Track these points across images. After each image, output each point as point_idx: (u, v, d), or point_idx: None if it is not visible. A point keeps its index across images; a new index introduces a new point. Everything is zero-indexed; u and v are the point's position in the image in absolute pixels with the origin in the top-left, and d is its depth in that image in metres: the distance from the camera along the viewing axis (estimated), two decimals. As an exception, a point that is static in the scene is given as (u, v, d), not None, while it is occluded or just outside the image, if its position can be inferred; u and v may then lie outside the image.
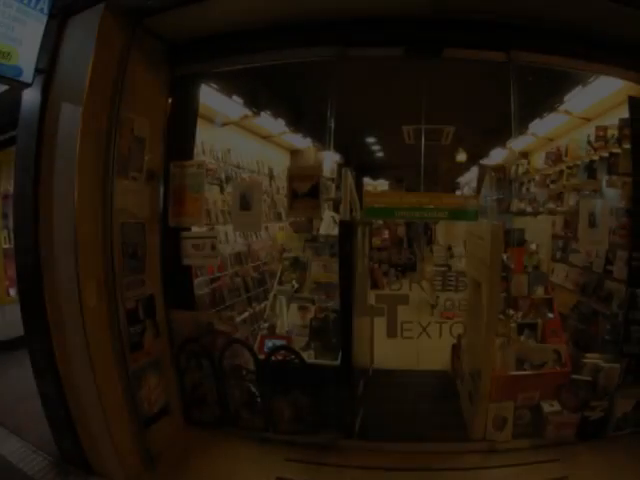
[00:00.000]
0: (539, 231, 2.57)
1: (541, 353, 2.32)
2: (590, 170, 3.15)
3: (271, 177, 4.25)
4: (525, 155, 5.01)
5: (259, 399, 2.30)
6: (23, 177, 2.01)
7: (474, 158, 5.15)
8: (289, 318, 2.46)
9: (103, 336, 2.03)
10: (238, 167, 3.55)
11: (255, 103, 2.92)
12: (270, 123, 3.93)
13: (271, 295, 2.58)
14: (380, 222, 4.96)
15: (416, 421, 2.40)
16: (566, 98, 3.14)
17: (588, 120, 3.59)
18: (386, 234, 4.94)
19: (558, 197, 3.98)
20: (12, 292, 3.79)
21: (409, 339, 2.26)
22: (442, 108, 2.67)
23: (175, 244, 2.33)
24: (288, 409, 2.28)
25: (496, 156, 5.38)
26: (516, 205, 4.46)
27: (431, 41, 2.25)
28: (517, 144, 4.55)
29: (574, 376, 2.31)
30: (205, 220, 2.42)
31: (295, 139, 4.68)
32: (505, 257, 2.39)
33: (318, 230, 2.77)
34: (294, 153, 4.67)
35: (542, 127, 4.17)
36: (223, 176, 3.12)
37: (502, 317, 2.33)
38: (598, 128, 3.05)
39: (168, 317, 2.32)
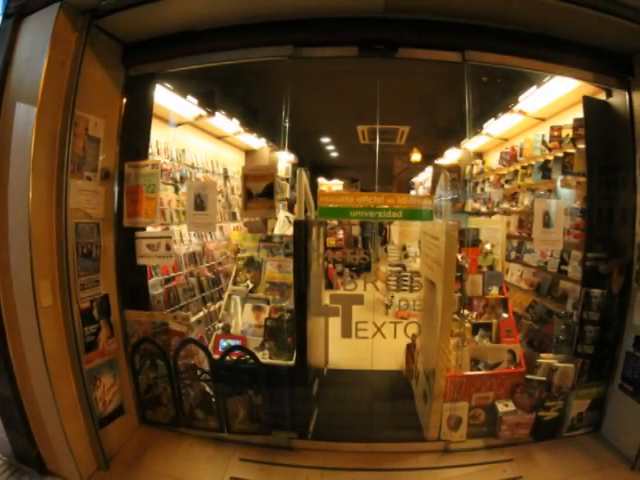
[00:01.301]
0: (494, 231, 2.82)
1: (496, 353, 2.57)
2: (545, 170, 3.41)
3: (226, 177, 4.52)
4: (480, 155, 5.32)
5: (214, 399, 2.55)
6: (-24, 178, 2.24)
7: (429, 158, 5.45)
8: (244, 318, 2.71)
9: (58, 336, 2.25)
10: (193, 167, 3.81)
11: (210, 103, 3.16)
12: (225, 123, 4.21)
13: (226, 295, 2.84)
14: (335, 222, 5.25)
15: (371, 421, 2.66)
16: (521, 98, 3.40)
17: (543, 120, 3.89)
18: (341, 234, 5.23)
19: (513, 197, 4.29)
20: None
21: (364, 339, 2.50)
22: (397, 108, 2.90)
23: (130, 244, 2.58)
24: (243, 409, 2.53)
25: (451, 156, 5.74)
26: (471, 205, 4.76)
27: (385, 41, 2.49)
28: (472, 144, 4.87)
29: (529, 376, 2.56)
30: (160, 220, 2.67)
31: (250, 139, 4.97)
32: (460, 257, 2.64)
33: (273, 230, 3.02)
34: (249, 153, 4.95)
35: (497, 127, 4.48)
36: (178, 176, 3.37)
37: (457, 317, 2.58)
38: (553, 128, 3.31)
39: (123, 317, 2.56)
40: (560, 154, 3.21)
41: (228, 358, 2.52)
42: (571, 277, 3.00)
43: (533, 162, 3.88)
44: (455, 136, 4.46)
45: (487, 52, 2.51)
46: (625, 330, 2.56)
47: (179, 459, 2.50)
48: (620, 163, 2.59)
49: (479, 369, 2.58)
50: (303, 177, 2.57)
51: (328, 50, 2.55)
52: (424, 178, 6.69)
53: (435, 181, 4.83)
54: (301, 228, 2.48)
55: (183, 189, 3.23)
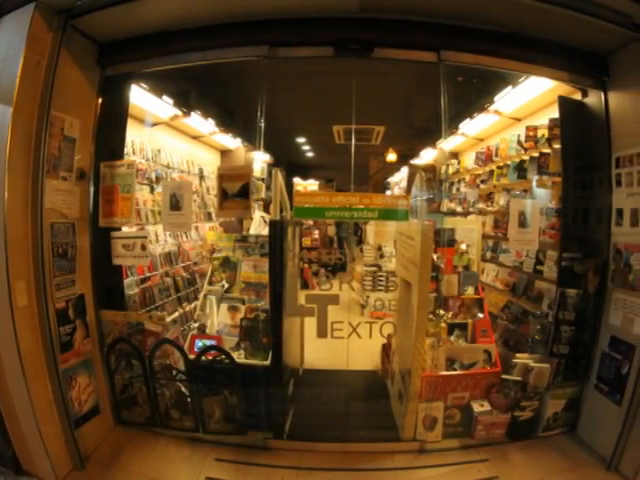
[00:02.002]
0: (469, 231, 2.95)
1: (471, 353, 2.70)
2: (520, 170, 3.55)
3: (201, 177, 4.67)
4: (455, 155, 5.49)
5: (189, 399, 2.68)
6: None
7: (404, 158, 5.61)
8: (219, 318, 2.84)
9: (33, 336, 2.37)
10: (168, 167, 3.95)
11: (185, 103, 3.29)
12: (200, 123, 4.36)
13: (201, 295, 2.97)
14: (310, 222, 5.40)
15: (346, 421, 2.79)
16: (496, 98, 3.55)
17: (518, 120, 4.05)
18: (316, 234, 5.38)
19: (488, 197, 4.45)
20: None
21: (339, 339, 2.63)
22: (373, 108, 3.02)
23: (105, 244, 2.72)
24: (218, 409, 2.66)
25: (426, 156, 5.92)
26: (446, 205, 4.91)
27: (361, 41, 2.63)
28: (447, 144, 5.02)
29: (504, 376, 2.69)
30: (135, 220, 2.80)
31: (225, 139, 5.13)
32: (435, 257, 2.77)
33: (248, 230, 3.16)
34: (224, 153, 5.09)
35: (472, 127, 4.64)
36: (153, 176, 3.50)
37: (432, 317, 2.71)
38: (528, 128, 3.44)
39: (98, 317, 2.70)
40: (536, 154, 3.35)
41: (204, 358, 2.64)
42: (547, 277, 3.14)
43: (509, 162, 4.04)
44: (431, 136, 4.62)
45: (463, 52, 2.65)
46: (601, 330, 2.69)
47: (155, 459, 2.63)
48: (596, 163, 2.72)
49: (455, 369, 2.71)
50: (279, 177, 2.71)
51: (304, 50, 2.68)
52: (400, 178, 6.93)
53: (411, 181, 5.03)
54: (276, 228, 2.61)
55: (159, 189, 3.36)
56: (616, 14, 2.49)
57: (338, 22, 2.61)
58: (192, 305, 3.48)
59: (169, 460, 2.63)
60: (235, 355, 2.67)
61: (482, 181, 4.66)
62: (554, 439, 2.77)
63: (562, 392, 2.72)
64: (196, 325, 2.85)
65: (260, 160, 4.62)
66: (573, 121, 2.76)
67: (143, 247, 2.66)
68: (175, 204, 2.62)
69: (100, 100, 2.71)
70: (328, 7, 2.57)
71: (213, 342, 2.74)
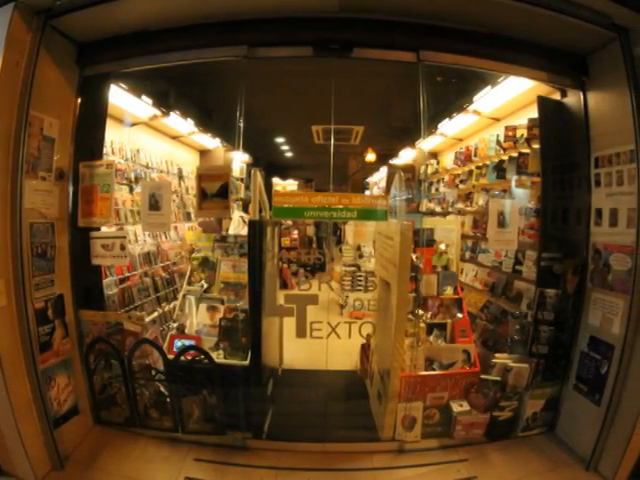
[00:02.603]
0: (448, 231, 3.05)
1: (450, 353, 2.80)
2: (499, 170, 3.66)
3: (180, 177, 4.79)
4: (434, 155, 5.62)
5: (168, 399, 2.78)
6: None
7: (384, 158, 5.73)
8: (198, 318, 2.94)
9: (12, 336, 2.46)
10: (147, 167, 4.05)
11: (164, 103, 3.38)
12: (179, 123, 4.47)
13: (180, 295, 3.07)
14: (289, 222, 5.51)
15: (326, 421, 2.89)
16: (475, 98, 3.65)
17: (497, 120, 4.16)
18: (295, 234, 5.49)
19: (467, 197, 4.57)
20: None
21: (318, 339, 2.73)
22: (352, 108, 3.12)
23: (85, 244, 2.81)
24: (197, 409, 2.76)
25: (405, 156, 6.06)
26: (425, 205, 5.02)
27: (340, 41, 2.72)
28: (426, 144, 5.13)
29: (483, 376, 2.80)
30: (114, 220, 2.90)
31: (204, 139, 5.25)
32: (414, 257, 2.87)
33: (227, 230, 3.25)
34: (203, 153, 5.21)
35: (451, 127, 4.76)
36: (132, 176, 3.60)
37: (411, 317, 2.81)
38: (507, 128, 3.55)
39: (77, 317, 2.79)
40: (515, 154, 3.46)
41: (183, 358, 2.74)
42: (526, 277, 3.24)
43: (488, 162, 4.16)
44: (410, 136, 4.73)
45: (442, 52, 2.75)
46: (580, 330, 2.79)
47: (134, 459, 2.73)
48: (575, 163, 2.82)
49: (434, 369, 2.81)
50: (258, 177, 2.80)
51: (283, 50, 2.78)
52: (379, 178, 7.11)
53: (390, 181, 5.13)
54: (255, 228, 2.71)
55: (138, 189, 3.46)
56: (595, 14, 2.59)
57: (317, 22, 2.71)
58: (171, 305, 3.58)
59: (148, 460, 2.72)
60: (214, 355, 2.77)
61: (461, 181, 4.79)
62: (533, 439, 2.87)
63: (541, 392, 2.82)
64: (175, 325, 2.95)
65: (239, 160, 4.74)
66: (552, 121, 2.86)
67: (122, 247, 2.75)
68: (154, 204, 2.71)
69: (79, 100, 2.81)
70: (307, 7, 2.67)
71: (192, 342, 2.84)
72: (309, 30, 2.73)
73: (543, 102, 2.88)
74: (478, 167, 4.41)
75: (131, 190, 3.48)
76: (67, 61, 2.77)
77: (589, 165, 2.76)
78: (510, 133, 3.48)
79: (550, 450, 2.81)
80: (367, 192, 7.28)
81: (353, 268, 4.39)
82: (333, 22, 2.71)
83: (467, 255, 4.20)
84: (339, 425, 2.89)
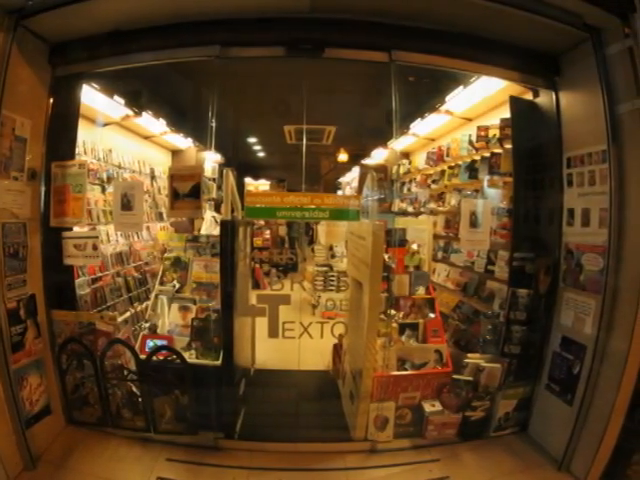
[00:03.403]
0: (420, 231, 3.16)
1: (422, 353, 2.91)
2: (471, 170, 3.78)
3: (152, 177, 4.91)
4: (407, 155, 5.75)
5: (141, 399, 2.89)
6: None
7: (356, 158, 5.86)
8: (170, 318, 3.05)
9: (-16, 336, 2.60)
10: (120, 167, 4.17)
11: (137, 103, 3.49)
12: (151, 123, 4.59)
13: (152, 295, 3.17)
14: (262, 222, 5.62)
15: (298, 421, 3.00)
16: (447, 98, 3.77)
17: (470, 120, 4.28)
18: (268, 234, 5.61)
19: (440, 197, 4.71)
20: None
21: (291, 339, 2.84)
22: (324, 108, 3.22)
23: (57, 244, 2.92)
24: (169, 409, 2.87)
25: (378, 156, 6.19)
26: (397, 205, 5.14)
27: (312, 41, 2.83)
28: (399, 144, 5.25)
29: (455, 376, 2.90)
30: (87, 220, 3.00)
31: (176, 139, 5.39)
32: (386, 257, 2.98)
33: (199, 230, 3.36)
34: (175, 153, 5.33)
35: (424, 127, 4.89)
36: (105, 176, 3.71)
37: (383, 317, 2.92)
38: (480, 128, 3.66)
39: (50, 317, 2.90)
40: (487, 154, 3.57)
41: (155, 358, 2.85)
42: (498, 277, 3.36)
43: (460, 162, 4.29)
44: (382, 136, 4.84)
45: (414, 52, 2.85)
46: (552, 330, 2.91)
47: (106, 459, 2.83)
48: (547, 163, 2.94)
49: (406, 369, 2.92)
50: (230, 177, 2.91)
51: (255, 50, 2.89)
52: (351, 178, 7.25)
53: (362, 181, 5.25)
54: (228, 228, 2.81)
55: (110, 189, 3.58)
56: (567, 14, 2.70)
57: (289, 22, 2.82)
58: (143, 305, 3.69)
59: (120, 460, 2.83)
60: (186, 355, 2.88)
61: (433, 181, 4.94)
62: (505, 439, 2.98)
63: (513, 392, 2.93)
64: (147, 325, 3.06)
65: (211, 160, 4.86)
66: (524, 121, 2.97)
67: (94, 247, 2.86)
68: (126, 204, 2.82)
69: (51, 100, 2.92)
70: (280, 7, 2.78)
71: (164, 342, 2.95)
72: (281, 30, 2.83)
73: (515, 102, 2.99)
74: (450, 167, 4.55)
75: (103, 190, 3.59)
76: (39, 61, 2.88)
77: (561, 165, 2.87)
78: (482, 133, 3.59)
79: (522, 450, 2.92)
80: (339, 192, 7.44)
81: (325, 268, 4.51)
82: (305, 22, 2.82)
83: (439, 255, 4.35)
84: (311, 425, 3.00)
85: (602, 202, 2.66)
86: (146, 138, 5.04)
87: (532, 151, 2.95)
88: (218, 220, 3.08)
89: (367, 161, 5.92)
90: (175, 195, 2.80)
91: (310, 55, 2.84)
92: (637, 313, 2.44)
